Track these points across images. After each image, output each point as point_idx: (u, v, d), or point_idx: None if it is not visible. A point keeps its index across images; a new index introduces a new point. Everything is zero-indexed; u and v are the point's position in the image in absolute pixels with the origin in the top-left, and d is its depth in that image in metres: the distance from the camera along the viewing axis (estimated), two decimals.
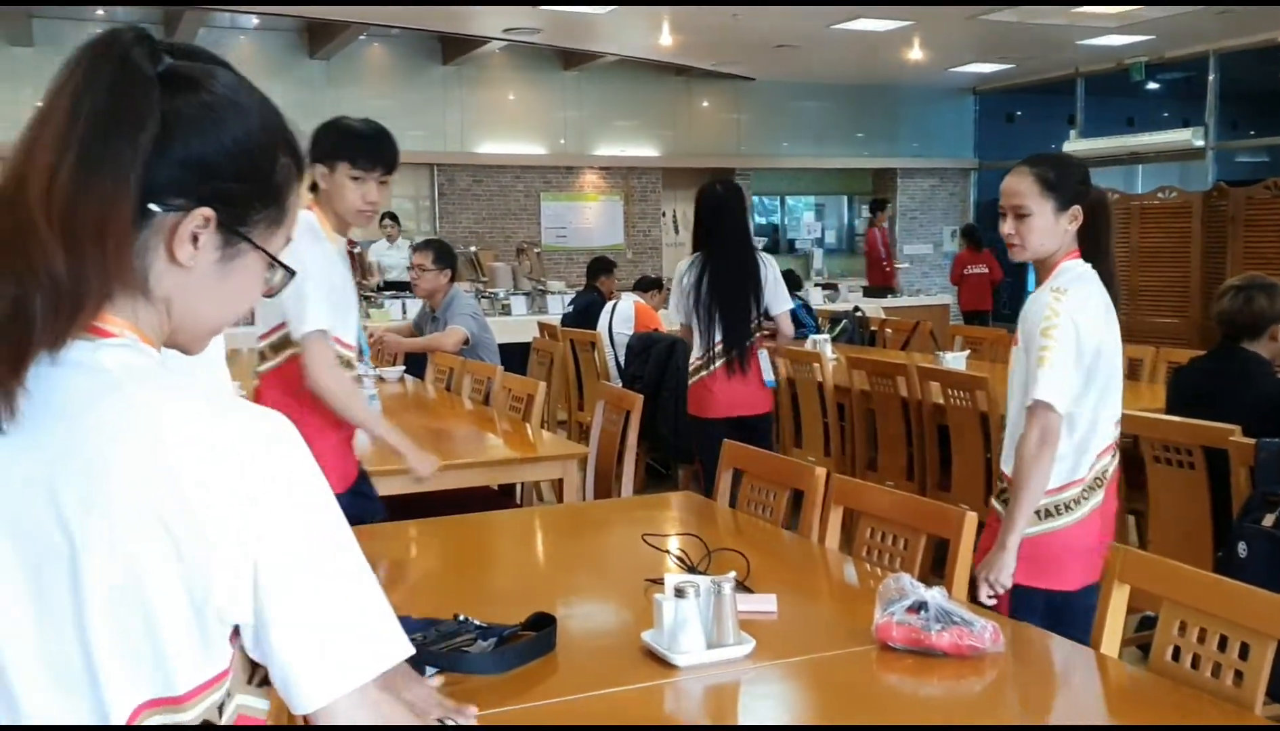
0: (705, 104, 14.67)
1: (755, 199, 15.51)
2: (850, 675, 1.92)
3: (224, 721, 1.08)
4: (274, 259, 1.14)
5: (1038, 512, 2.57)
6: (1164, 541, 3.60)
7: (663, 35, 11.19)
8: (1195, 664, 1.85)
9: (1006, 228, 2.66)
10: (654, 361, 6.35)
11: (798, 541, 2.69)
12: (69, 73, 1.05)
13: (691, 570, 2.32)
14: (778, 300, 4.78)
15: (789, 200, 16.34)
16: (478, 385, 5.08)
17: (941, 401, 4.82)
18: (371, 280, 10.16)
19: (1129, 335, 8.10)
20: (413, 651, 1.12)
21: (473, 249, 11.30)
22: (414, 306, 7.74)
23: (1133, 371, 5.68)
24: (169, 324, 1.10)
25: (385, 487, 3.56)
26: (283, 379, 2.96)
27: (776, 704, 1.89)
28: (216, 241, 1.08)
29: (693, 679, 1.87)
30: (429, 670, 1.84)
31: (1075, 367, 2.54)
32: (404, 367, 5.96)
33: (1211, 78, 12.40)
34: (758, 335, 4.75)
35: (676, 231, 14.45)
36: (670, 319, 5.22)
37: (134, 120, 1.02)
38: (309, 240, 2.88)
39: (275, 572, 1.03)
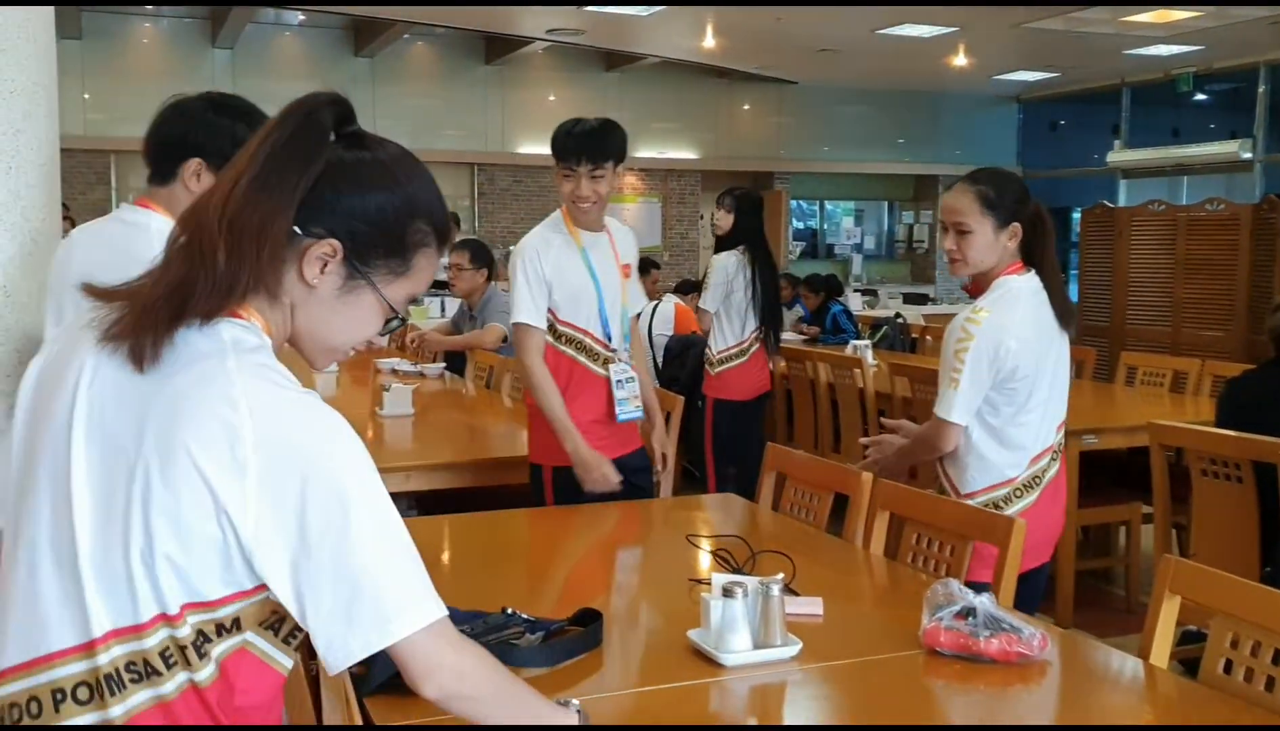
0: (746, 107, 14.64)
1: (794, 203, 15.47)
2: (898, 679, 1.92)
3: (222, 646, 1.26)
4: (388, 303, 1.34)
5: None
6: (1207, 555, 3.56)
7: (706, 38, 11.19)
8: (1249, 677, 1.84)
9: (949, 243, 2.81)
10: (692, 364, 6.35)
11: (842, 545, 2.68)
12: (271, 121, 1.31)
13: (736, 571, 2.32)
14: None
15: (828, 205, 16.28)
16: (518, 382, 5.09)
17: None
18: None
19: (1173, 348, 7.95)
20: (444, 613, 1.27)
21: (512, 248, 11.33)
22: (452, 305, 7.78)
23: (1177, 384, 5.63)
24: (290, 327, 1.33)
25: (425, 482, 3.60)
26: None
27: (824, 706, 1.88)
28: (341, 272, 1.31)
29: (739, 679, 1.87)
30: None
31: (979, 389, 2.73)
32: (445, 365, 5.99)
33: (1261, 89, 12.24)
34: None
35: (714, 235, 14.41)
36: (707, 306, 5.34)
37: (305, 158, 1.27)
38: (534, 241, 3.28)
39: (306, 538, 1.20)
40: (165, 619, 1.23)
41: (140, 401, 1.21)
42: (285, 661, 1.31)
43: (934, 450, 2.81)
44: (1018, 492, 2.77)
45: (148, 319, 1.22)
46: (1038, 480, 2.79)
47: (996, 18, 10.09)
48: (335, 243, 1.28)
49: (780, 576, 2.00)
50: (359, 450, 1.24)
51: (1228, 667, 1.87)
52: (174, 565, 1.21)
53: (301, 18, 12.26)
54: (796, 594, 2.19)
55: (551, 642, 1.93)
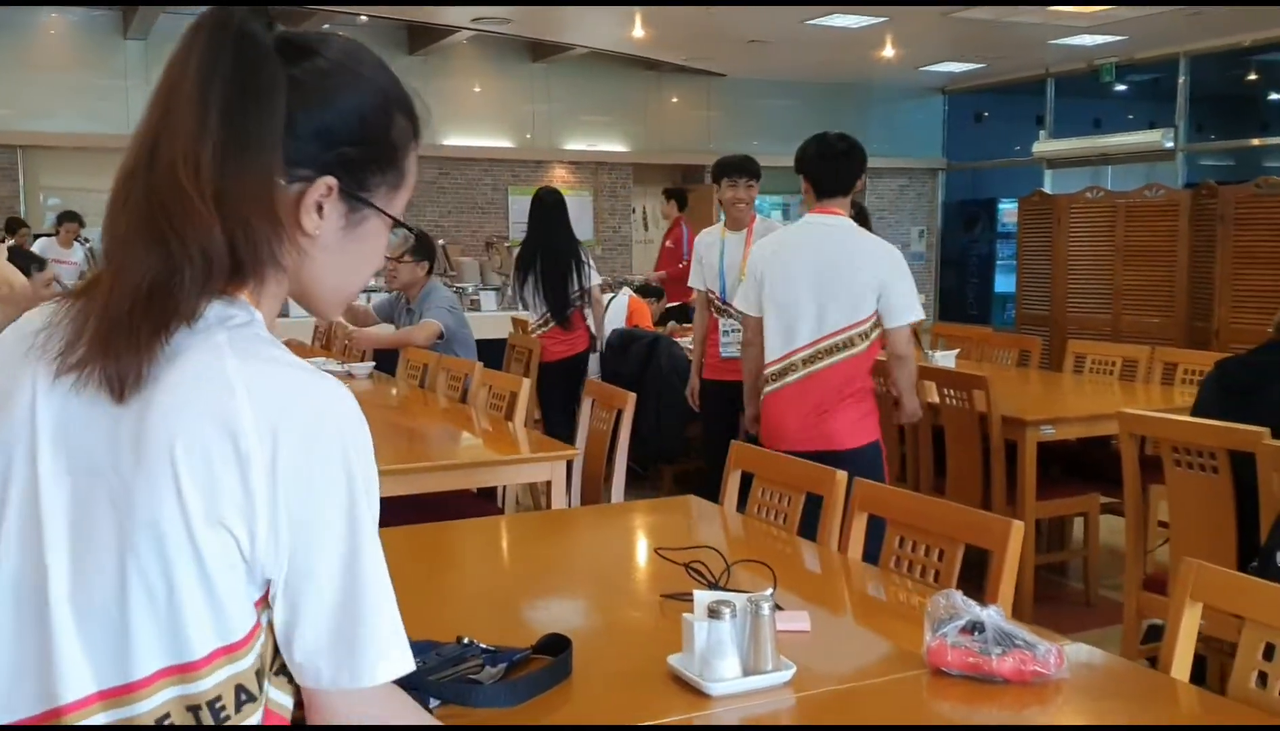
0: (675, 100, 14.48)
1: None
2: (904, 704, 1.72)
3: (252, 720, 1.04)
4: (395, 219, 1.13)
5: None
6: (1184, 551, 3.43)
7: (635, 28, 11.00)
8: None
9: None
10: (634, 359, 6.17)
11: (818, 551, 2.49)
12: (187, 50, 1.02)
13: (713, 585, 2.12)
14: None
15: (757, 199, 16.20)
16: (454, 381, 4.84)
17: (936, 401, 4.65)
18: None
19: (1115, 335, 7.88)
20: (413, 668, 1.10)
21: (440, 243, 11.04)
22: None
23: (1127, 371, 5.55)
24: (290, 289, 1.11)
25: None
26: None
27: None
28: (341, 209, 1.09)
29: (729, 710, 1.66)
30: (433, 701, 1.62)
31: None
32: (374, 363, 5.71)
33: (1181, 80, 12.38)
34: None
35: (646, 228, 14.25)
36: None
37: (269, 92, 1.01)
38: None
39: (302, 553, 1.01)
40: (178, 671, 0.99)
41: (117, 417, 0.98)
42: (289, 702, 1.09)
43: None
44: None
45: (120, 340, 0.97)
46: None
47: (924, 8, 10.04)
48: (330, 180, 1.06)
49: (769, 591, 1.80)
50: (365, 434, 1.05)
51: (1263, 680, 1.71)
52: (197, 598, 0.98)
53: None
54: (780, 608, 1.99)
55: (516, 677, 1.71)
